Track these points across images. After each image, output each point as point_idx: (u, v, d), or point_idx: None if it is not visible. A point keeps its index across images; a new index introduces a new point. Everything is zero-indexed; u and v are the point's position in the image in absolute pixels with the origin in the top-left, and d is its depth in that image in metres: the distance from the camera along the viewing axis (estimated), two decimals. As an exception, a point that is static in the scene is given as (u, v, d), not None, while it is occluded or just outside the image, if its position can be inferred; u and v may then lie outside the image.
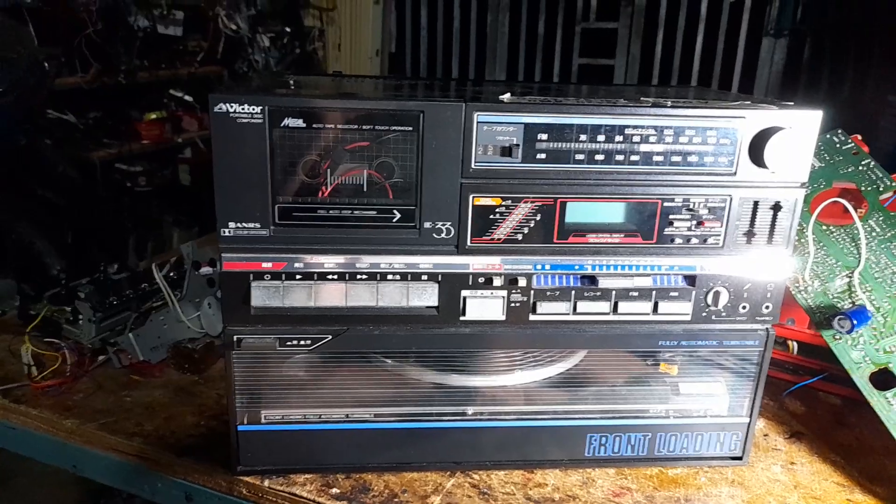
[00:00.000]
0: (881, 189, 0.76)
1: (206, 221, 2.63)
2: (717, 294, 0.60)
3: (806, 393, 0.82)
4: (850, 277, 0.72)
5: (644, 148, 0.56)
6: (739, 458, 0.66)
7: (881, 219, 0.74)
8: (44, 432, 0.73)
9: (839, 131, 0.82)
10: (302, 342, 0.59)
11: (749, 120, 0.56)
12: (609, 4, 3.27)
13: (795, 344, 0.85)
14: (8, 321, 0.92)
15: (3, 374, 0.80)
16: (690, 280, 0.60)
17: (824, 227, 0.76)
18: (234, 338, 0.58)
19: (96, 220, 2.26)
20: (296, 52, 3.31)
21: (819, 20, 2.98)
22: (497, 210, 0.57)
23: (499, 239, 0.58)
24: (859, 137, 0.82)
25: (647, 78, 3.28)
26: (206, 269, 0.93)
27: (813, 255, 0.74)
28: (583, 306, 0.60)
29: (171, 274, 0.92)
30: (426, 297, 0.59)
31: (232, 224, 0.55)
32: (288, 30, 3.26)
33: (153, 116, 2.66)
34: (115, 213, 2.41)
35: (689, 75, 3.23)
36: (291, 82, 0.65)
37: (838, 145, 0.81)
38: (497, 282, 0.59)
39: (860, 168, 0.78)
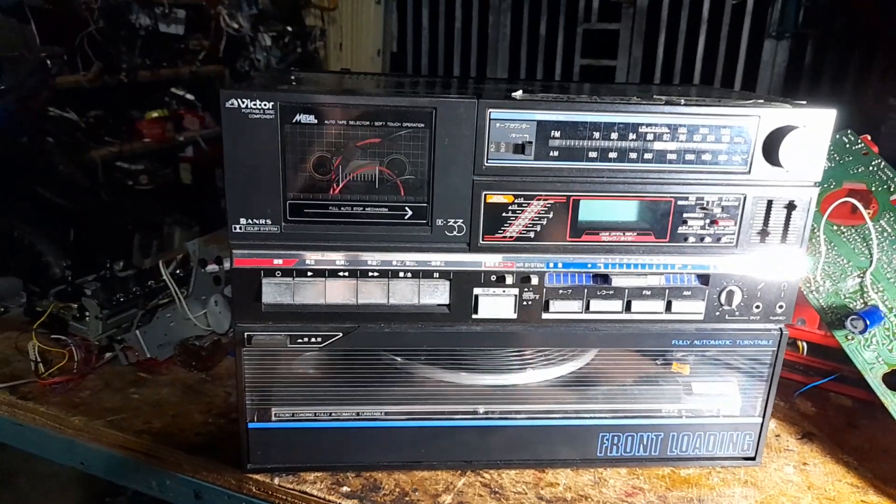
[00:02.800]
0: (892, 189, 0.76)
1: (207, 220, 2.63)
2: (730, 293, 0.60)
3: (817, 394, 0.81)
4: (862, 278, 0.72)
5: (658, 146, 0.56)
6: (752, 459, 0.66)
7: (892, 219, 0.74)
8: (51, 429, 0.72)
9: (849, 132, 0.82)
10: (313, 339, 0.58)
11: (764, 119, 0.56)
12: (611, 5, 3.27)
13: (805, 344, 0.85)
14: (14, 318, 0.92)
15: (9, 371, 0.80)
16: (704, 279, 0.60)
17: (835, 228, 0.76)
18: (245, 335, 0.57)
19: (98, 220, 2.26)
20: (297, 51, 3.30)
21: (821, 23, 2.99)
22: (509, 208, 0.57)
23: (511, 237, 0.57)
24: (868, 138, 0.82)
25: (649, 79, 3.28)
26: (212, 267, 0.93)
27: (824, 255, 0.74)
28: (595, 305, 0.59)
29: (178, 272, 0.92)
30: (438, 294, 0.58)
31: (243, 220, 0.55)
32: (289, 29, 3.26)
33: (155, 115, 2.66)
34: (117, 213, 2.40)
35: (690, 77, 3.23)
36: (293, 78, 0.65)
37: (848, 145, 0.81)
38: (509, 280, 0.58)
39: (870, 168, 0.78)
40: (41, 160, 2.18)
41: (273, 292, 0.57)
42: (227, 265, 0.92)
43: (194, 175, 2.85)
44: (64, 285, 0.87)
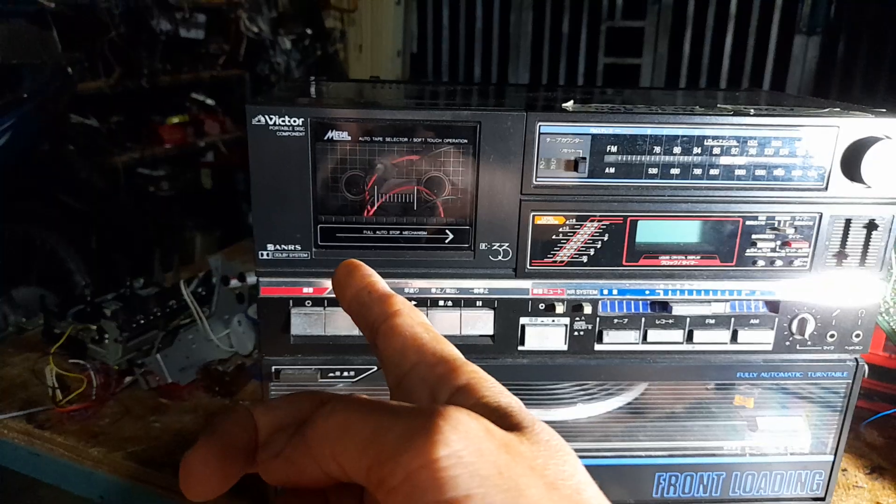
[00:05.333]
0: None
1: (228, 225, 2.61)
2: (802, 321, 0.55)
3: (883, 422, 0.75)
4: (939, 298, 0.66)
5: (725, 160, 0.51)
6: (822, 500, 0.60)
7: (971, 233, 0.67)
8: (69, 460, 0.69)
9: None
10: (345, 373, 0.54)
11: (843, 129, 0.50)
12: (635, 2, 3.20)
13: (866, 367, 0.79)
14: (31, 338, 0.89)
15: (26, 397, 0.77)
16: (773, 306, 0.55)
17: (906, 242, 0.69)
18: (273, 368, 0.53)
19: (121, 227, 2.24)
20: (317, 53, 3.28)
21: (853, 16, 2.88)
22: (560, 230, 0.52)
23: (562, 261, 0.52)
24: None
25: (675, 77, 3.20)
26: (234, 283, 0.89)
27: (896, 273, 0.68)
28: (654, 335, 0.54)
29: (200, 289, 0.89)
30: (481, 324, 0.53)
31: (271, 246, 0.51)
32: (309, 31, 3.23)
33: (175, 120, 2.65)
34: (139, 219, 2.39)
35: (718, 75, 3.15)
36: (312, 90, 0.60)
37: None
38: (559, 308, 0.53)
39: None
40: (63, 167, 2.17)
41: (303, 323, 0.52)
42: (250, 281, 0.89)
43: (215, 180, 2.84)
44: (83, 304, 0.84)
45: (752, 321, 0.55)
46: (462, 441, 0.18)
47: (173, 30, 2.60)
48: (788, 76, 3.06)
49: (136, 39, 2.48)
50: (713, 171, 0.51)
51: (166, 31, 2.57)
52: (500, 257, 0.52)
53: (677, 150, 0.50)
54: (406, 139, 0.49)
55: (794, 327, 0.55)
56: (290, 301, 0.52)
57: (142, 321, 0.81)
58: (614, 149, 0.50)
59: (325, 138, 0.48)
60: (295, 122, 0.47)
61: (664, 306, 0.54)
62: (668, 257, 0.53)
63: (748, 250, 0.53)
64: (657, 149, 0.50)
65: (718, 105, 0.53)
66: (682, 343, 0.55)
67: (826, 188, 0.52)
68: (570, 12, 3.30)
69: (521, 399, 0.58)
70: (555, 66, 3.39)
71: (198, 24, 2.68)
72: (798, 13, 3.01)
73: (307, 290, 0.52)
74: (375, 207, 0.51)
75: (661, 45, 3.26)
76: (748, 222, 0.52)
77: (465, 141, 0.49)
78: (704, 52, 3.18)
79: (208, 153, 2.80)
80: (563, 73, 3.38)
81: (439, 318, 0.53)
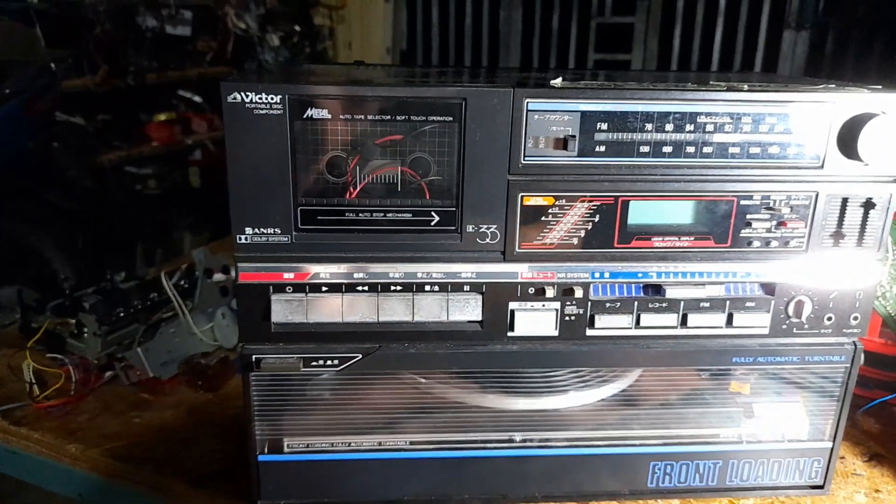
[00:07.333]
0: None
1: (218, 225, 2.58)
2: (799, 304, 0.53)
3: (879, 409, 0.74)
4: (935, 282, 0.65)
5: (718, 138, 0.49)
6: (820, 487, 0.59)
7: (967, 216, 0.66)
8: (47, 457, 0.67)
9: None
10: (329, 362, 0.52)
11: (839, 105, 0.49)
12: (625, -3, 3.20)
13: (862, 354, 0.78)
14: (9, 334, 0.86)
15: (3, 393, 0.74)
16: (769, 289, 0.53)
17: (901, 226, 0.68)
18: (253, 358, 0.51)
19: (107, 225, 2.21)
20: (306, 51, 3.25)
21: (843, 11, 2.89)
22: (550, 211, 0.50)
23: (551, 244, 0.51)
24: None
25: (665, 73, 3.19)
26: (218, 276, 0.88)
27: (892, 256, 0.67)
28: (647, 319, 0.53)
29: (182, 282, 0.86)
30: (468, 310, 0.52)
31: (249, 230, 0.49)
32: (298, 29, 3.21)
33: (163, 118, 2.61)
34: (126, 218, 2.36)
35: (707, 70, 3.15)
36: (292, 71, 0.59)
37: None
38: (549, 292, 0.52)
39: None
40: (49, 166, 2.14)
41: (283, 310, 0.50)
42: (234, 274, 0.87)
43: (203, 178, 2.80)
44: (62, 298, 0.82)
45: (747, 304, 0.53)
46: None
47: (159, 27, 2.57)
48: (777, 71, 3.06)
49: (121, 37, 2.44)
50: (706, 150, 0.49)
51: (152, 27, 2.54)
52: (487, 240, 0.50)
53: (669, 127, 0.49)
54: (389, 117, 0.47)
55: (790, 310, 0.54)
56: (271, 287, 0.50)
57: (122, 314, 0.78)
58: (605, 126, 0.48)
59: (305, 116, 0.47)
60: (272, 99, 0.45)
61: (657, 289, 0.53)
62: (660, 239, 0.51)
63: (743, 231, 0.52)
64: (649, 126, 0.48)
65: (711, 81, 0.52)
66: (676, 327, 0.53)
67: (822, 166, 0.50)
68: (560, 8, 3.29)
69: (511, 387, 0.57)
70: (545, 62, 3.38)
71: (184, 21, 2.65)
72: (787, 8, 3.01)
73: (288, 276, 0.50)
74: (358, 189, 0.49)
75: (651, 40, 3.26)
76: (743, 202, 0.51)
77: (451, 119, 0.48)
78: (694, 47, 3.18)
79: (196, 151, 2.77)
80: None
81: (426, 303, 0.51)
